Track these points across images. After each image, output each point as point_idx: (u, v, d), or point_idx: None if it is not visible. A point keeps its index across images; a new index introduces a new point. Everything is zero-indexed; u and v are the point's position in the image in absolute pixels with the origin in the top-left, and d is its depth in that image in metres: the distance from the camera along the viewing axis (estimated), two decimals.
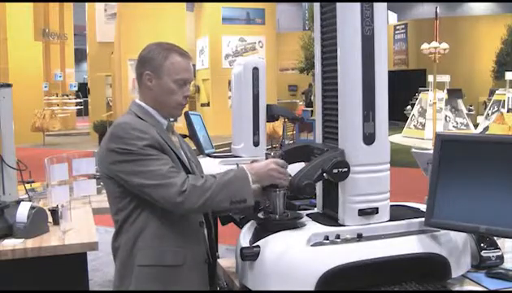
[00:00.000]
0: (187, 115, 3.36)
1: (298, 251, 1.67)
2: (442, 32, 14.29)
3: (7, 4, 15.50)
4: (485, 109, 15.55)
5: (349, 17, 1.74)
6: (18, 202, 2.61)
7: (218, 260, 2.10)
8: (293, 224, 1.81)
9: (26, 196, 2.99)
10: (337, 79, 1.80)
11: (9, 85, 2.87)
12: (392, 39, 23.97)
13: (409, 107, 17.80)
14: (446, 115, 15.75)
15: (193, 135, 3.34)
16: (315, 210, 2.02)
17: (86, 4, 17.93)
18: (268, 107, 3.37)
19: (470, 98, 18.43)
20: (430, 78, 15.63)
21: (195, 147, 3.27)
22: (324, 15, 1.90)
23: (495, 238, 1.99)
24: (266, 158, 1.87)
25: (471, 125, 15.92)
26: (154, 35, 11.00)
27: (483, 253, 1.94)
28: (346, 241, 1.73)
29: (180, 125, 2.73)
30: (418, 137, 15.48)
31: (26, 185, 3.08)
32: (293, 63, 20.54)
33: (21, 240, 2.42)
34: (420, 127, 16.05)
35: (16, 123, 2.91)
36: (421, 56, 16.69)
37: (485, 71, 20.61)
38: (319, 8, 1.92)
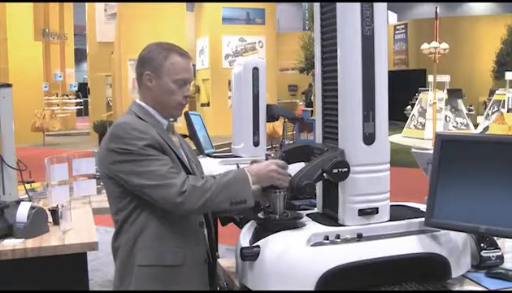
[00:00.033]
0: (187, 115, 3.36)
1: (298, 251, 1.67)
2: (442, 32, 14.29)
3: (7, 4, 15.50)
4: (485, 109, 15.55)
5: (349, 17, 1.74)
6: (18, 202, 2.61)
7: (218, 260, 2.10)
8: (293, 224, 1.81)
9: (26, 196, 2.99)
10: (337, 79, 1.80)
11: (9, 85, 2.87)
12: (392, 39, 23.97)
13: (409, 107, 17.80)
14: (446, 115, 15.75)
15: (193, 135, 3.34)
16: (315, 210, 2.02)
17: (86, 4, 17.94)
18: (268, 107, 3.37)
19: (470, 98, 18.43)
20: (430, 78, 15.63)
21: (195, 147, 3.27)
22: (324, 15, 1.90)
23: (495, 238, 1.99)
24: (267, 159, 1.87)
25: (471, 125, 15.92)
26: (154, 35, 11.00)
27: (483, 253, 1.94)
28: (346, 241, 1.73)
29: (180, 125, 2.73)
30: (418, 137, 15.49)
31: (26, 185, 3.08)
32: (293, 63, 20.54)
33: (21, 240, 2.42)
34: (420, 127, 16.05)
35: (16, 123, 2.91)
36: (421, 56, 16.69)
37: (485, 71, 20.61)
38: (319, 8, 1.92)
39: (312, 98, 17.02)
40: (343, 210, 1.81)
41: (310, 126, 4.08)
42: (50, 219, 2.69)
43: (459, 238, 1.83)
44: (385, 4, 1.77)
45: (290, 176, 1.82)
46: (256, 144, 3.34)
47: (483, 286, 1.79)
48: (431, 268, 1.76)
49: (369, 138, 1.77)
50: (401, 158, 8.31)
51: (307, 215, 1.93)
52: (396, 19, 28.84)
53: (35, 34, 17.11)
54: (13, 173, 2.83)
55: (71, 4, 20.85)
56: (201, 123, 3.52)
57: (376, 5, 1.75)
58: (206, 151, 3.39)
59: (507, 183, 1.69)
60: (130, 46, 12.65)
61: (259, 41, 17.21)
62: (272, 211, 1.85)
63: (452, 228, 1.78)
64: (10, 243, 2.39)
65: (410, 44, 23.42)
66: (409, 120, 16.81)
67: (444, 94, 15.91)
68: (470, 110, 16.85)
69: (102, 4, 17.03)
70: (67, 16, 20.56)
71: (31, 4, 16.65)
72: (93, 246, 2.46)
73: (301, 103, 20.82)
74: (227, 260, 2.12)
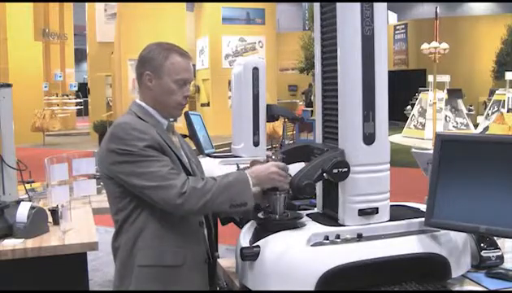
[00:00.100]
0: (187, 115, 3.36)
1: (298, 251, 1.67)
2: (442, 32, 14.29)
3: (7, 4, 15.50)
4: (485, 109, 15.55)
5: (349, 17, 1.74)
6: (18, 202, 2.61)
7: (218, 260, 2.10)
8: (293, 224, 1.81)
9: (26, 196, 2.99)
10: (337, 79, 1.80)
11: (9, 85, 2.87)
12: (392, 39, 23.97)
13: (409, 107, 17.80)
14: (446, 115, 15.75)
15: (193, 135, 3.33)
16: (315, 210, 2.02)
17: (86, 4, 17.93)
18: (268, 107, 3.37)
19: (470, 98, 18.43)
20: (430, 78, 15.63)
21: (195, 147, 3.27)
22: (324, 15, 1.90)
23: (495, 238, 1.99)
24: (267, 161, 1.87)
25: (471, 125, 15.92)
26: (154, 35, 11.00)
27: (483, 253, 1.94)
28: (346, 241, 1.73)
29: (180, 125, 2.73)
30: (418, 137, 15.49)
31: (26, 185, 3.08)
32: (293, 63, 20.54)
33: (21, 240, 2.42)
34: (420, 127, 16.05)
35: (16, 123, 2.91)
36: (421, 56, 16.69)
37: (485, 71, 20.61)
38: (319, 8, 1.92)
39: (312, 98, 17.02)
40: (343, 210, 1.81)
41: (310, 126, 4.07)
42: (50, 219, 2.69)
43: (459, 238, 1.83)
44: (385, 4, 1.77)
45: (290, 176, 1.82)
46: (256, 144, 3.33)
47: (483, 286, 1.79)
48: (431, 268, 1.76)
49: (369, 138, 1.77)
50: (401, 158, 8.31)
51: (307, 215, 1.93)
52: (396, 19, 28.84)
53: (35, 34, 17.11)
54: (13, 173, 2.83)
55: (71, 4, 20.85)
56: (201, 123, 3.52)
57: (376, 5, 1.75)
58: (206, 151, 3.39)
59: (507, 183, 1.69)
60: (130, 46, 12.65)
61: (259, 41, 17.21)
62: (272, 212, 1.85)
63: (452, 228, 1.78)
64: (10, 243, 2.39)
65: (410, 44, 23.42)
66: (409, 120, 16.81)
67: (444, 94, 15.91)
68: (470, 110, 16.85)
69: (102, 4, 17.02)
70: (67, 16, 20.56)
71: (31, 4, 16.65)
72: (93, 246, 2.46)
73: (301, 103, 20.82)
74: (227, 260, 2.12)
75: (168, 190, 1.73)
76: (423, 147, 10.47)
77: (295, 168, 1.85)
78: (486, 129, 13.01)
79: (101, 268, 4.74)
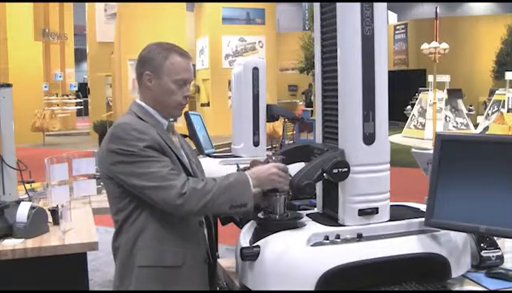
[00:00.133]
0: (187, 115, 3.36)
1: (298, 251, 1.67)
2: (442, 32, 14.28)
3: (7, 4, 15.50)
4: (485, 109, 15.55)
5: (349, 17, 1.74)
6: (18, 202, 2.61)
7: (218, 260, 2.10)
8: (293, 224, 1.81)
9: (26, 196, 2.99)
10: (337, 79, 1.80)
11: (9, 85, 2.87)
12: (392, 39, 23.97)
13: (409, 107, 17.80)
14: (446, 115, 15.75)
15: (193, 135, 3.33)
16: (315, 210, 2.02)
17: (86, 4, 17.93)
18: (268, 107, 3.37)
19: (470, 98, 18.43)
20: (430, 78, 15.63)
21: (195, 147, 3.27)
22: (324, 15, 1.90)
23: (495, 238, 1.99)
24: (268, 161, 1.87)
25: (471, 125, 15.92)
26: (154, 35, 11.00)
27: (483, 253, 1.94)
28: (346, 241, 1.73)
29: (180, 125, 2.73)
30: (418, 137, 15.48)
31: (26, 185, 3.08)
32: (293, 63, 20.53)
33: (21, 240, 2.42)
34: (420, 127, 16.05)
35: (16, 123, 2.91)
36: (421, 56, 16.68)
37: (485, 71, 20.60)
38: (319, 8, 1.92)
39: (312, 98, 17.02)
40: (343, 210, 1.81)
41: (310, 126, 4.08)
42: (50, 219, 2.68)
43: (459, 238, 1.83)
44: (385, 4, 1.77)
45: (290, 176, 1.82)
46: (256, 144, 3.34)
47: (483, 286, 1.79)
48: (431, 268, 1.76)
49: (369, 138, 1.77)
50: (401, 158, 8.31)
51: (307, 215, 1.93)
52: (396, 19, 28.84)
53: (35, 34, 17.11)
54: (13, 173, 2.83)
55: (71, 4, 20.85)
56: (201, 123, 3.52)
57: (376, 5, 1.75)
58: (206, 151, 3.39)
59: (507, 183, 1.69)
60: (130, 46, 12.64)
61: (259, 41, 17.21)
62: (272, 212, 1.85)
63: (452, 228, 1.78)
64: (10, 243, 2.39)
65: (410, 44, 23.42)
66: (409, 120, 16.81)
67: (444, 94, 15.90)
68: (470, 110, 16.85)
69: (102, 4, 17.03)
70: (67, 16, 20.55)
71: (31, 4, 16.65)
72: (93, 246, 2.46)
73: (301, 103, 20.82)
74: (227, 260, 2.12)
75: (168, 191, 1.73)
76: (423, 147, 10.47)
77: (295, 168, 1.85)
78: (486, 129, 13.01)
79: (101, 268, 4.74)
